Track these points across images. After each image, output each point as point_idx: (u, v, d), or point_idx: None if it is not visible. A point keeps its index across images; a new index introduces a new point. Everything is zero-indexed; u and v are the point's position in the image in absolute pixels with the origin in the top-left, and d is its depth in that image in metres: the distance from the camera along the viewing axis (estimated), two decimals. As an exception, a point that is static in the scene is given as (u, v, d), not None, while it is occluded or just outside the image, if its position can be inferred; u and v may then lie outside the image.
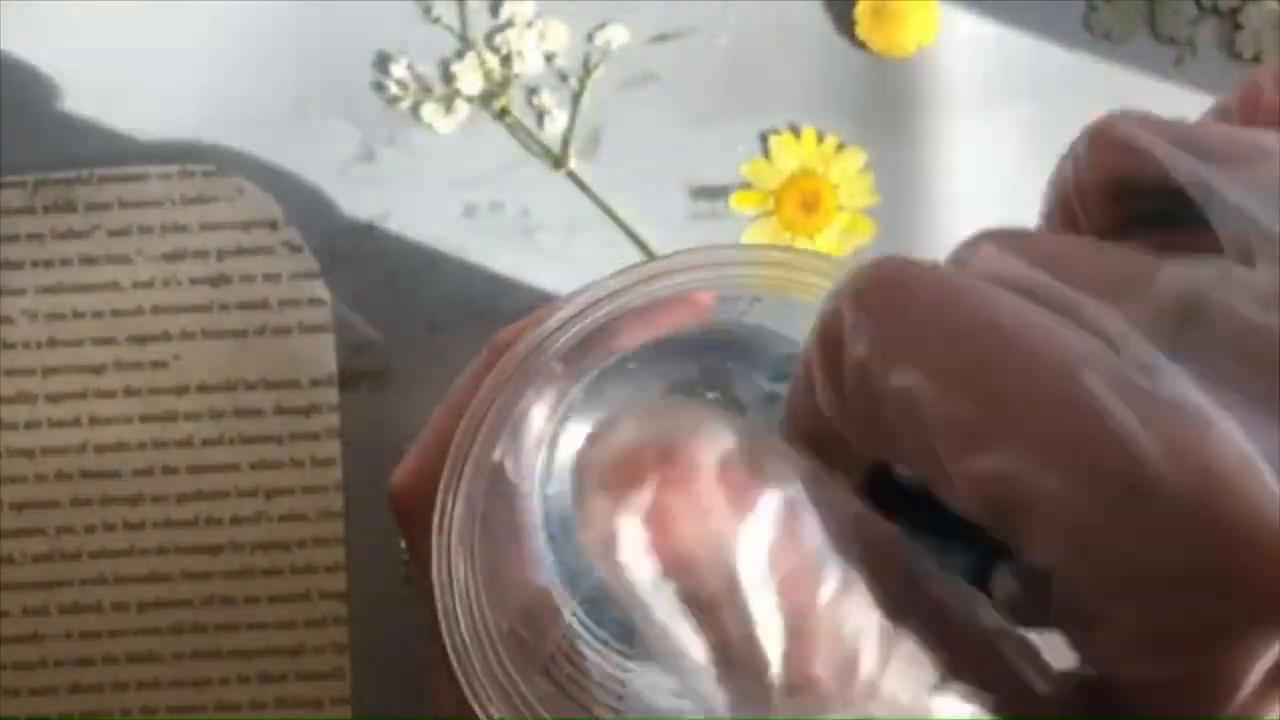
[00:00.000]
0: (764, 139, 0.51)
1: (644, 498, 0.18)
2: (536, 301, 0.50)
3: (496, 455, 0.34)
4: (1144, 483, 0.17)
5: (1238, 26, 0.50)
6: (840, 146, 0.51)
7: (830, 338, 0.19)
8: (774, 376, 0.36)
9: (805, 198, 0.51)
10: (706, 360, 0.40)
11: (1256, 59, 0.50)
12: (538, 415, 0.38)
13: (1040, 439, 0.17)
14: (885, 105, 0.51)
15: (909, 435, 0.18)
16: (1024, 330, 0.18)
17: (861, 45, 0.51)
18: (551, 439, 0.40)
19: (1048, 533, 0.17)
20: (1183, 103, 0.51)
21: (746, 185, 0.51)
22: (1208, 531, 0.17)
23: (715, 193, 0.51)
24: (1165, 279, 0.19)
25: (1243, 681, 0.17)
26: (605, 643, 0.39)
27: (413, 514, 0.39)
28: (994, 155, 0.51)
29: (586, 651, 0.38)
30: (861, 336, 0.19)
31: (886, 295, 0.19)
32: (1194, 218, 0.19)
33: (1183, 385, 0.17)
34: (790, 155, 0.51)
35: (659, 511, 0.18)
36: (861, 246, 0.51)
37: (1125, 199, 0.21)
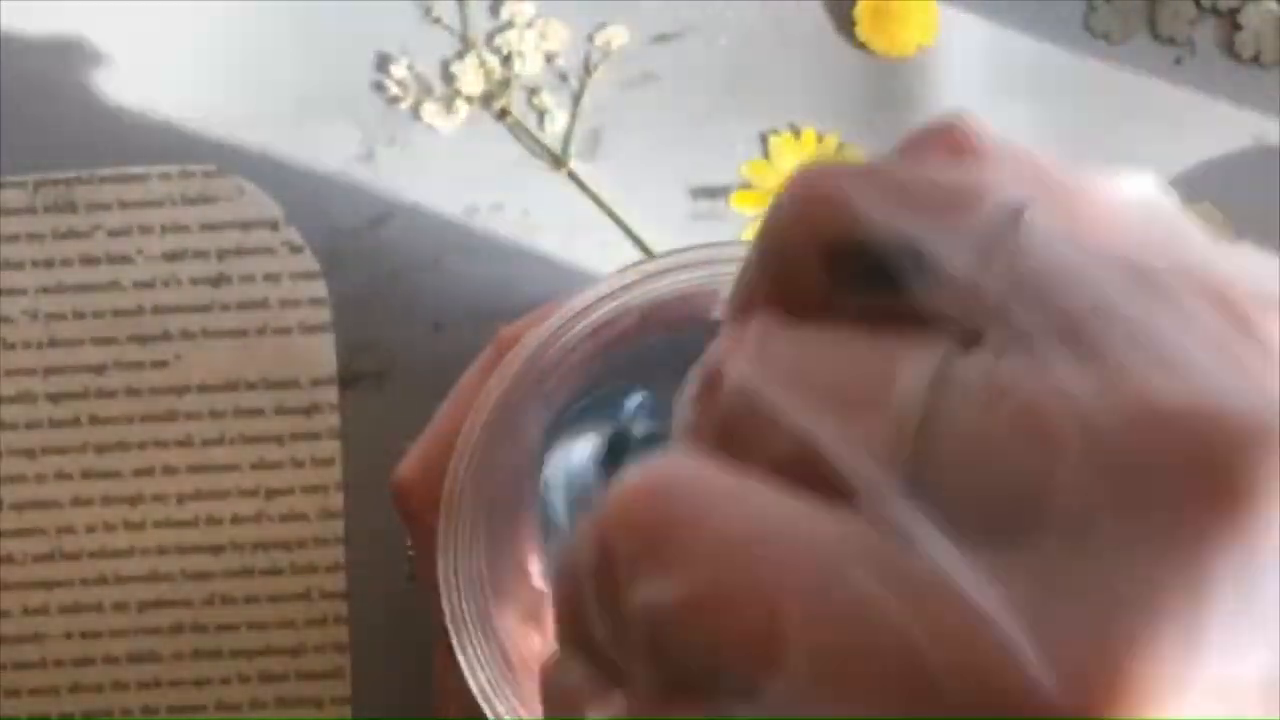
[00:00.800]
0: (764, 139, 0.51)
1: None
2: (537, 301, 0.50)
3: (501, 452, 0.34)
4: (930, 690, 0.17)
5: (1237, 27, 0.50)
6: (840, 146, 0.51)
7: (598, 566, 0.19)
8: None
9: (805, 198, 0.51)
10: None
11: (1256, 59, 0.51)
12: (542, 413, 0.38)
13: (824, 651, 0.17)
14: (885, 105, 0.51)
15: (696, 657, 0.18)
16: (783, 538, 0.18)
17: (861, 46, 0.51)
18: (558, 437, 0.40)
19: None
20: (1183, 103, 0.51)
21: (746, 185, 0.51)
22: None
23: (715, 193, 0.51)
24: (904, 388, 0.18)
25: None
26: None
27: (417, 509, 0.39)
28: (994, 155, 0.51)
29: None
30: (628, 567, 0.18)
31: (646, 528, 0.18)
32: (914, 279, 0.19)
33: (937, 550, 0.17)
34: (790, 155, 0.51)
35: None
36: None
37: (839, 261, 0.19)
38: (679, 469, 0.19)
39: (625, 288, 0.31)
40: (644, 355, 0.39)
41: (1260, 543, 0.16)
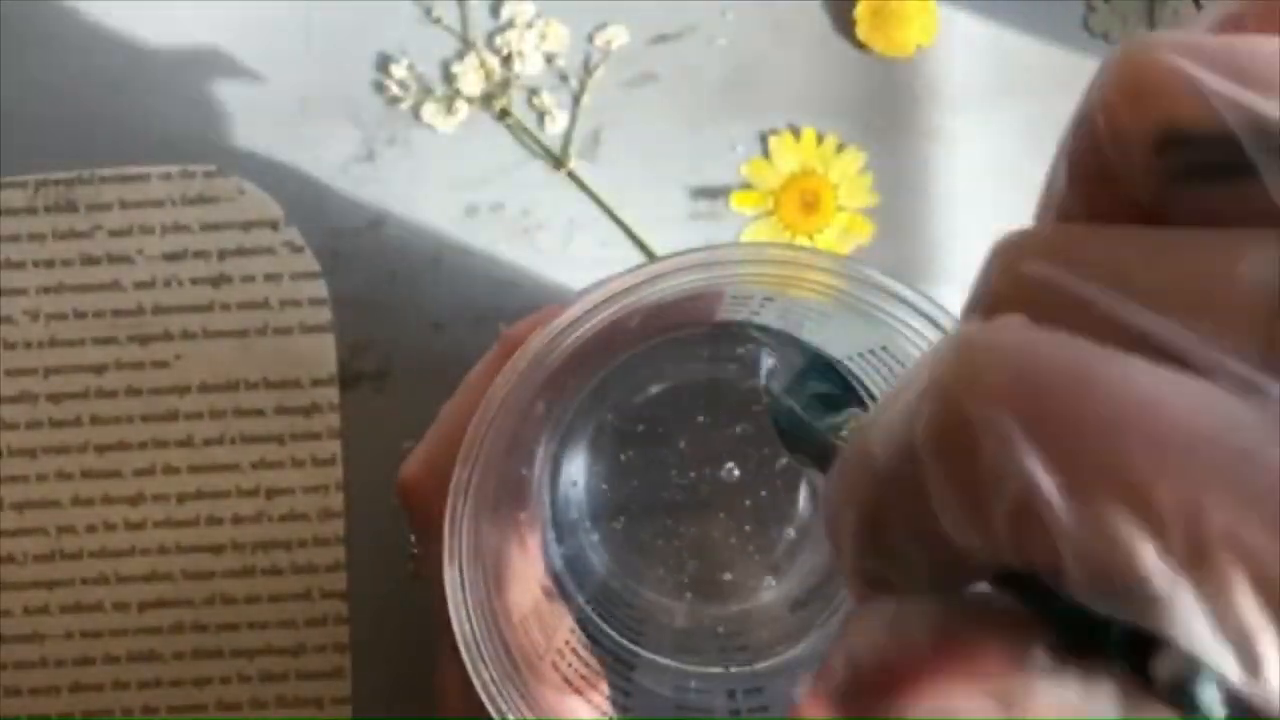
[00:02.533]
0: (764, 139, 0.51)
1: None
2: (537, 301, 0.50)
3: (507, 452, 0.34)
4: None
5: (1237, 27, 0.50)
6: (840, 146, 0.51)
7: (955, 444, 0.16)
8: (787, 380, 0.36)
9: (805, 198, 0.51)
10: (717, 360, 0.40)
11: (1255, 59, 0.51)
12: (548, 412, 0.38)
13: (1232, 494, 0.15)
14: (885, 105, 0.51)
15: (1071, 536, 0.15)
16: (1183, 419, 0.15)
17: (861, 46, 0.51)
18: (562, 437, 0.40)
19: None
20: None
21: (746, 185, 0.51)
22: None
23: (715, 193, 0.51)
24: (1252, 278, 0.16)
25: None
26: (612, 638, 0.40)
27: (422, 506, 0.39)
28: (994, 155, 0.51)
29: (594, 646, 0.38)
30: (1007, 439, 0.16)
31: (1021, 394, 0.16)
32: (1259, 164, 0.16)
33: None
34: (790, 155, 0.51)
35: None
36: (861, 246, 0.51)
37: (1171, 150, 0.17)
38: (1031, 332, 0.16)
39: (631, 289, 0.31)
40: (649, 356, 0.39)
41: None
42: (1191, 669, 0.15)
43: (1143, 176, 0.17)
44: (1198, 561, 0.15)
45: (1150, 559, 0.15)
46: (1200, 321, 0.16)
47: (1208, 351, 0.16)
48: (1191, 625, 0.15)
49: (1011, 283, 0.17)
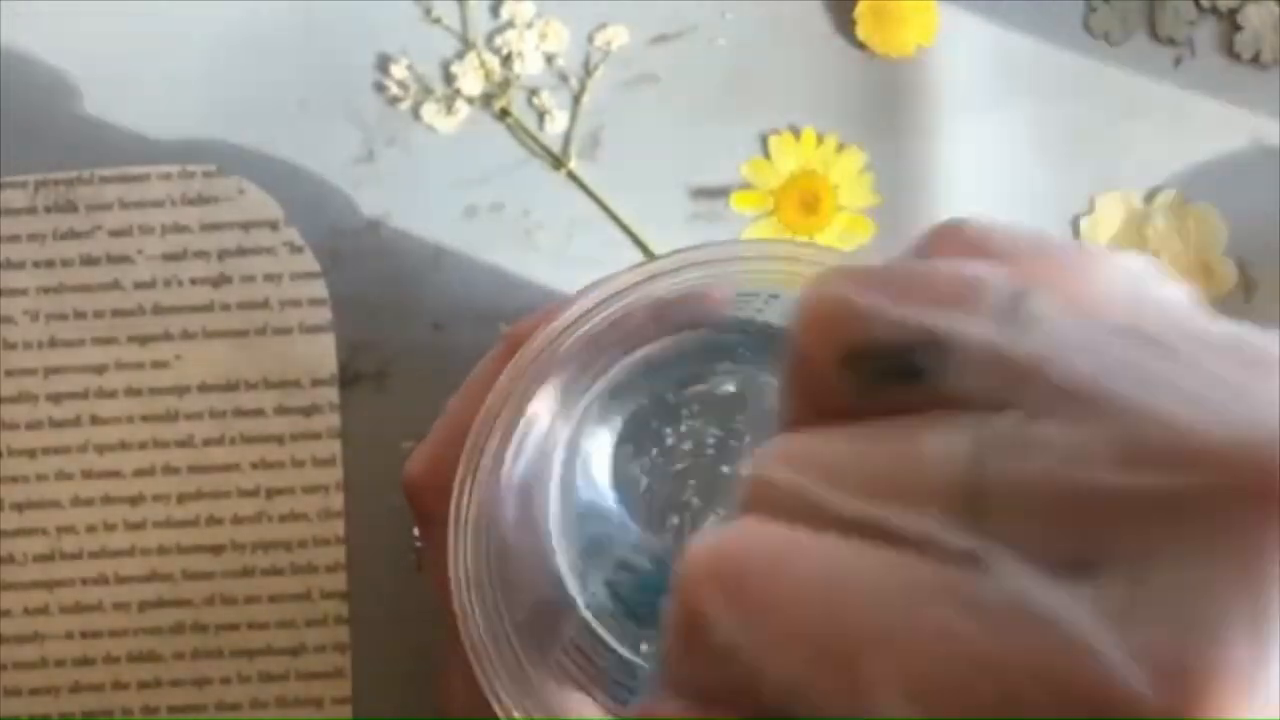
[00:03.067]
0: (764, 139, 0.51)
1: None
2: (537, 301, 0.50)
3: (511, 449, 0.34)
4: (1024, 709, 0.18)
5: (1237, 27, 0.51)
6: (840, 147, 0.51)
7: (691, 628, 0.20)
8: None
9: (805, 198, 0.51)
10: (723, 357, 0.40)
11: (1256, 59, 0.51)
12: (553, 409, 0.38)
13: (913, 688, 0.18)
14: (885, 105, 0.51)
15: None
16: (859, 582, 0.19)
17: (861, 45, 0.51)
18: (569, 435, 0.40)
19: None
20: (1182, 103, 0.51)
21: (746, 185, 0.51)
22: None
23: (715, 193, 0.51)
24: (948, 453, 0.19)
25: None
26: (617, 636, 0.40)
27: (427, 503, 0.39)
28: (994, 155, 0.51)
29: (599, 643, 0.38)
30: (722, 632, 0.19)
31: (725, 580, 0.19)
32: (932, 367, 0.20)
33: (1012, 576, 0.18)
34: (790, 155, 0.51)
35: None
36: (862, 246, 0.51)
37: (857, 365, 0.21)
38: (748, 528, 0.20)
39: (636, 285, 0.32)
40: (652, 355, 0.39)
41: None
42: None
43: (837, 390, 0.21)
44: (860, 694, 0.18)
45: (824, 691, 0.18)
46: (901, 500, 0.19)
47: (902, 523, 0.19)
48: None
49: (755, 487, 0.21)
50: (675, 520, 0.41)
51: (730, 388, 0.40)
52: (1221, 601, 0.18)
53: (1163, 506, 0.18)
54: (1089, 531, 0.18)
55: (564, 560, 0.40)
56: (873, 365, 0.20)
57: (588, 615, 0.39)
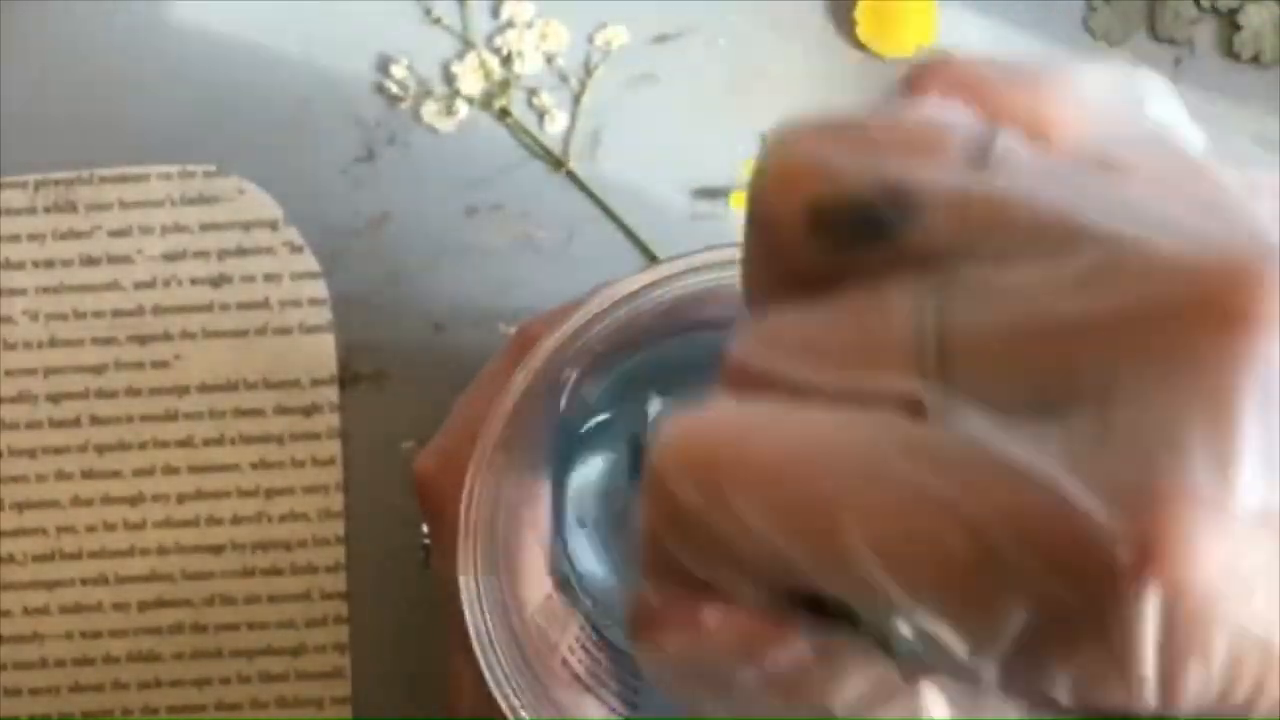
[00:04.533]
0: (764, 139, 0.51)
1: None
2: (537, 301, 0.50)
3: (521, 449, 0.34)
4: (992, 554, 0.18)
5: (1237, 27, 0.51)
6: (840, 147, 0.51)
7: (666, 514, 0.20)
8: None
9: (805, 198, 0.51)
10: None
11: (1256, 59, 0.51)
12: (562, 410, 0.38)
13: (886, 545, 0.18)
14: (885, 105, 0.51)
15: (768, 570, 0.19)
16: (822, 448, 0.19)
17: (861, 45, 0.51)
18: (576, 436, 0.40)
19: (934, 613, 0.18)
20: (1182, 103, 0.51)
21: (746, 185, 0.51)
22: (1056, 568, 0.18)
23: (715, 193, 0.51)
24: (912, 307, 0.19)
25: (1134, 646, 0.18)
26: (622, 636, 0.40)
27: (437, 500, 0.39)
28: (994, 155, 0.51)
29: (604, 643, 0.39)
30: (697, 514, 0.19)
31: (696, 468, 0.19)
32: (898, 221, 0.19)
33: (972, 424, 0.18)
34: (790, 155, 0.51)
35: None
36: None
37: (823, 226, 0.20)
38: (710, 410, 0.20)
39: (645, 288, 0.32)
40: (661, 357, 0.39)
41: (1274, 358, 0.17)
42: (887, 626, 0.19)
43: (802, 252, 0.20)
44: (837, 558, 0.18)
45: (804, 560, 0.19)
46: (868, 364, 0.19)
47: (867, 386, 0.19)
48: (853, 601, 0.19)
49: (728, 371, 0.20)
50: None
51: None
52: (1186, 426, 0.17)
53: (1127, 330, 0.18)
54: (1052, 369, 0.18)
55: (571, 560, 0.40)
56: (839, 225, 0.19)
57: (594, 615, 0.39)
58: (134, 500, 0.50)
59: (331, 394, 0.50)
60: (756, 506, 0.19)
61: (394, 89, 0.51)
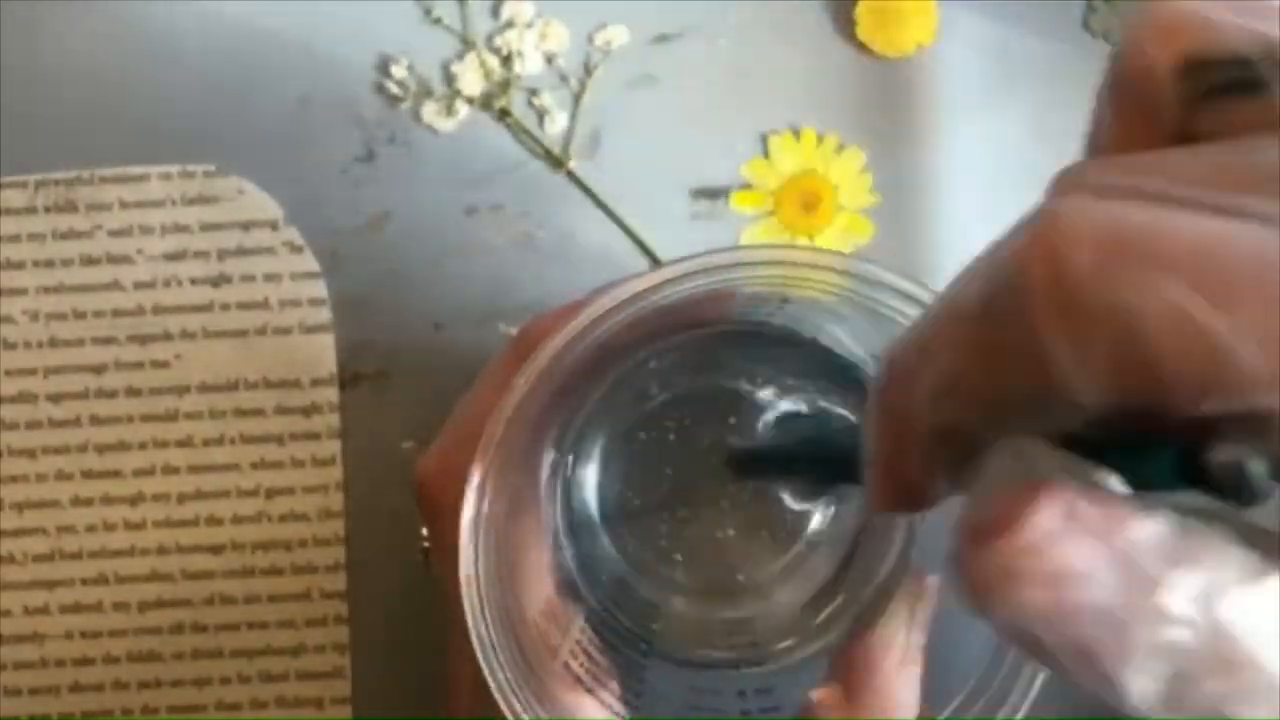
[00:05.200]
0: (764, 139, 0.51)
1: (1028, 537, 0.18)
2: (537, 301, 0.50)
3: (523, 451, 0.34)
4: None
5: (1236, 28, 0.51)
6: (840, 147, 0.51)
7: (1064, 288, 0.18)
8: (803, 380, 0.37)
9: (805, 198, 0.51)
10: (732, 361, 0.40)
11: (1255, 60, 0.51)
12: (562, 413, 0.38)
13: None
14: (885, 105, 0.51)
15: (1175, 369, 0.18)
16: (1229, 246, 0.18)
17: (861, 45, 0.51)
18: (577, 438, 0.40)
19: None
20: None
21: (746, 185, 0.51)
22: None
23: (715, 193, 0.51)
24: (1267, 160, 0.18)
25: None
26: (623, 638, 0.40)
27: (437, 500, 0.39)
28: (994, 155, 0.51)
29: (605, 646, 0.39)
30: (1100, 296, 0.18)
31: (1104, 246, 0.18)
32: (1268, 78, 0.19)
33: None
34: (790, 155, 0.51)
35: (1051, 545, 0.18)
36: (861, 247, 0.51)
37: (1192, 75, 0.20)
38: (1103, 203, 0.19)
39: (648, 290, 0.32)
40: (664, 358, 0.39)
41: None
42: (1242, 457, 0.18)
43: (1170, 100, 0.20)
44: (1226, 352, 0.17)
45: (1248, 356, 0.17)
46: (1244, 190, 0.18)
47: (1254, 207, 0.18)
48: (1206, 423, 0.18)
49: (1071, 189, 0.19)
50: (664, 527, 0.41)
51: (739, 392, 0.40)
52: None
53: None
54: None
55: (571, 563, 0.41)
56: (1214, 76, 0.20)
57: (595, 617, 0.39)
58: (134, 500, 0.50)
59: (331, 394, 0.50)
60: (1163, 285, 0.17)
61: (394, 89, 0.51)
